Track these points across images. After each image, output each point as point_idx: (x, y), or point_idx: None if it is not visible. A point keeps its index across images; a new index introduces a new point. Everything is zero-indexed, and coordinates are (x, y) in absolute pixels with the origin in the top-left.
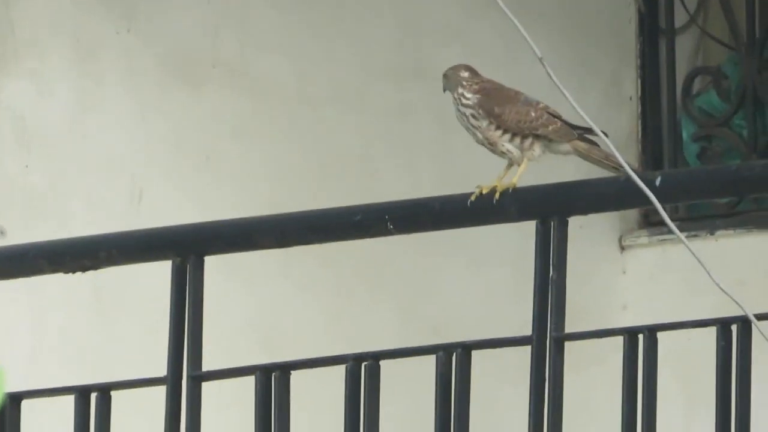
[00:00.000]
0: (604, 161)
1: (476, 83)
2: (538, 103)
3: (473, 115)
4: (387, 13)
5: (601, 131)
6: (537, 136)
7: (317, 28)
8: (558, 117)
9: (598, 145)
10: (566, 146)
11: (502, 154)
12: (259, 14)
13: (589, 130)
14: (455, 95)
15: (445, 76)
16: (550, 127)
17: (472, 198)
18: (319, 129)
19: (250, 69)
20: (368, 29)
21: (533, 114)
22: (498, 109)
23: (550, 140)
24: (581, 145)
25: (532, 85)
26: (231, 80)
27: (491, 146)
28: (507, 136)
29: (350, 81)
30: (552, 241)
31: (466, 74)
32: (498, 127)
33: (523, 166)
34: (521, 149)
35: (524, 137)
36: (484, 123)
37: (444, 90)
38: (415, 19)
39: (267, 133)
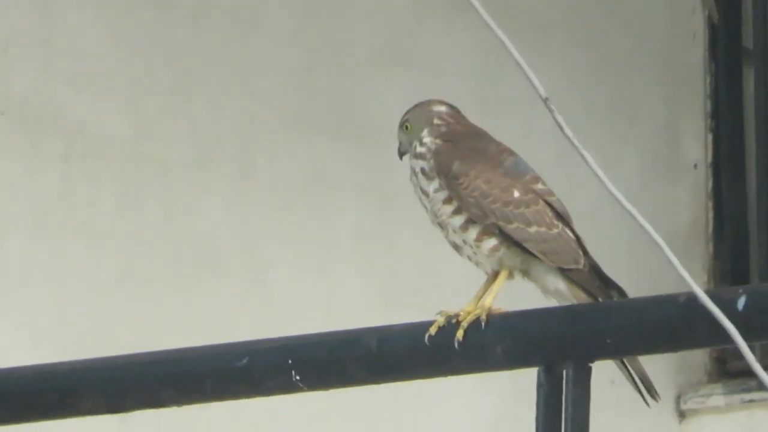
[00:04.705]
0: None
1: (448, 124)
2: (535, 177)
3: (423, 171)
4: None
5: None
6: (506, 237)
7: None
8: (563, 216)
9: (611, 296)
10: (550, 277)
11: (455, 248)
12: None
13: (612, 284)
14: (415, 143)
15: (404, 125)
16: (533, 228)
17: (432, 331)
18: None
19: None
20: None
21: (516, 194)
22: (459, 167)
23: (529, 254)
24: (576, 289)
25: (539, 147)
26: None
27: (442, 228)
28: (459, 219)
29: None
30: (564, 402)
31: (441, 109)
32: (449, 199)
33: (499, 280)
34: (478, 249)
35: (487, 232)
36: (433, 185)
37: (402, 152)
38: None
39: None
